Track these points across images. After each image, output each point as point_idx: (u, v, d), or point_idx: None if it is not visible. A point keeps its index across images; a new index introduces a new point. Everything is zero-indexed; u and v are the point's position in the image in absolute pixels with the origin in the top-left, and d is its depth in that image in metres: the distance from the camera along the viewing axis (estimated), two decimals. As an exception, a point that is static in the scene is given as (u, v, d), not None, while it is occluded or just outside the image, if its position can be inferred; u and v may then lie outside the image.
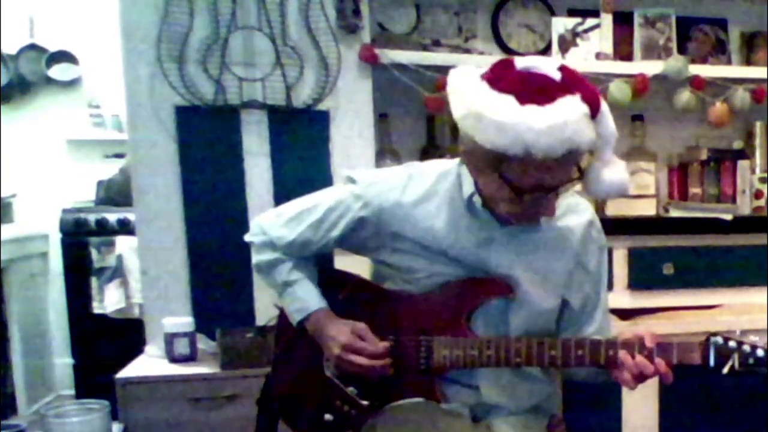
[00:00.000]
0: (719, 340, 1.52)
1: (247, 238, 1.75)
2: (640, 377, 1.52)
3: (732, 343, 1.51)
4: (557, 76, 1.41)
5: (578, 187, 1.57)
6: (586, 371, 1.67)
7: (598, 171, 1.52)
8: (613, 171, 1.53)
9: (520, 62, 1.43)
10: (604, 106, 1.47)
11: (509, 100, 1.37)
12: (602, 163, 1.52)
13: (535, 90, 1.38)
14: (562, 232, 1.62)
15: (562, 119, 1.36)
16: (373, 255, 1.70)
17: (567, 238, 1.63)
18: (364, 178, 1.65)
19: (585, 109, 1.40)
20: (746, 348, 1.50)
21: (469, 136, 1.41)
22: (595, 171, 1.52)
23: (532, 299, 1.61)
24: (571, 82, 1.42)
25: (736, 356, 1.50)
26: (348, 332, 1.62)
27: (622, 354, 1.52)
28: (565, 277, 1.64)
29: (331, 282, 1.74)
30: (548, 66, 1.43)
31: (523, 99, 1.36)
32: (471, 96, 1.41)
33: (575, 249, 1.64)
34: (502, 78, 1.41)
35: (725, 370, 1.51)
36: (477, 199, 1.56)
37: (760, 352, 1.50)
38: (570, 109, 1.38)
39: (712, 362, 1.52)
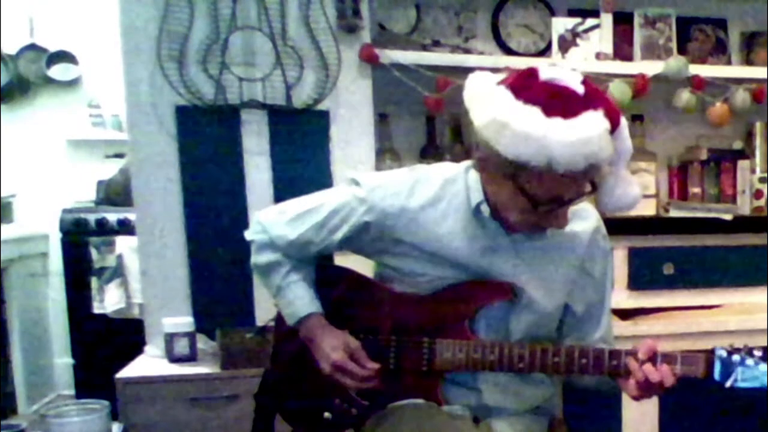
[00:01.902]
0: (723, 353, 1.51)
1: (247, 235, 1.73)
2: (646, 385, 1.51)
3: (736, 357, 1.50)
4: (581, 89, 1.41)
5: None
6: (591, 380, 1.67)
7: (612, 186, 1.52)
8: (626, 187, 1.54)
9: (544, 73, 1.42)
10: (623, 122, 1.48)
11: (535, 112, 1.36)
12: (616, 177, 1.52)
13: (560, 103, 1.37)
14: (568, 239, 1.62)
15: (587, 134, 1.36)
16: (376, 258, 1.69)
17: (572, 244, 1.63)
18: (368, 181, 1.63)
19: (607, 124, 1.40)
20: (750, 362, 1.50)
21: (490, 145, 1.40)
22: (609, 186, 1.52)
23: (535, 304, 1.61)
24: (595, 96, 1.42)
25: (739, 370, 1.50)
26: (341, 350, 1.61)
27: (629, 360, 1.52)
28: (569, 283, 1.64)
29: (332, 279, 1.74)
30: (571, 78, 1.42)
31: (549, 111, 1.36)
32: (495, 104, 1.39)
33: (580, 255, 1.63)
34: (526, 88, 1.39)
35: (728, 383, 1.50)
36: (485, 208, 1.55)
37: (763, 367, 1.49)
38: (594, 124, 1.38)
39: (716, 376, 1.51)
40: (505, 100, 1.39)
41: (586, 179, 1.45)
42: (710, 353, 1.52)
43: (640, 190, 1.58)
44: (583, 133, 1.36)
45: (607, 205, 1.56)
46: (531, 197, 1.43)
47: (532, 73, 1.43)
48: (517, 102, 1.38)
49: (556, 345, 1.61)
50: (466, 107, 1.46)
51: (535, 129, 1.35)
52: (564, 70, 1.45)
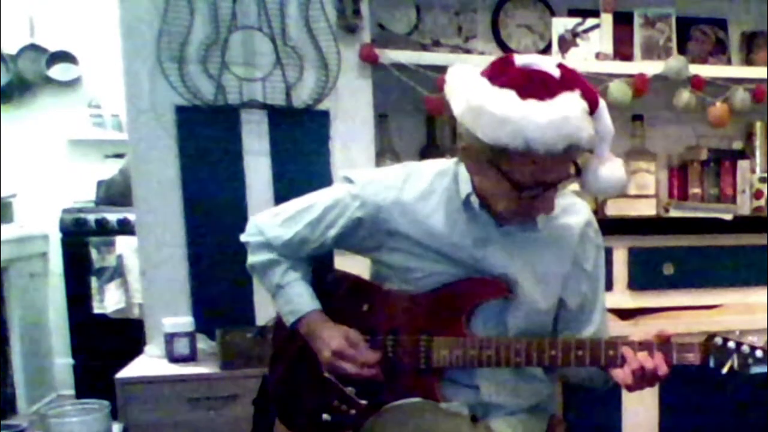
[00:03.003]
0: (719, 340, 1.52)
1: (243, 238, 1.74)
2: (641, 373, 1.52)
3: (731, 344, 1.51)
4: (556, 72, 1.42)
5: (576, 186, 1.58)
6: (586, 373, 1.67)
7: (596, 168, 1.53)
8: (611, 168, 1.54)
9: (519, 59, 1.44)
10: (602, 104, 1.49)
11: (510, 95, 1.37)
12: (599, 160, 1.53)
13: (535, 85, 1.39)
14: (560, 233, 1.63)
15: (563, 114, 1.37)
16: (371, 255, 1.70)
17: (564, 238, 1.63)
18: (360, 177, 1.66)
19: (584, 105, 1.41)
20: (745, 349, 1.51)
21: (470, 132, 1.42)
22: (592, 168, 1.53)
23: (530, 299, 1.61)
24: (570, 78, 1.43)
25: (735, 357, 1.51)
26: (340, 338, 1.62)
27: (625, 349, 1.53)
28: (562, 277, 1.64)
29: (329, 282, 1.75)
30: (547, 63, 1.44)
31: (524, 94, 1.37)
32: (471, 91, 1.41)
33: (572, 249, 1.64)
34: (502, 74, 1.41)
35: (724, 370, 1.51)
36: (474, 199, 1.56)
37: (759, 353, 1.50)
38: (570, 104, 1.39)
39: (711, 363, 1.52)
40: (481, 87, 1.41)
41: (568, 161, 1.46)
42: (706, 341, 1.53)
43: (624, 172, 1.57)
44: (560, 113, 1.37)
45: (593, 188, 1.56)
46: (514, 182, 1.44)
47: (507, 60, 1.45)
48: (492, 87, 1.40)
49: (552, 338, 1.62)
50: (446, 98, 1.48)
51: (511, 111, 1.36)
52: (539, 56, 1.47)
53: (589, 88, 1.45)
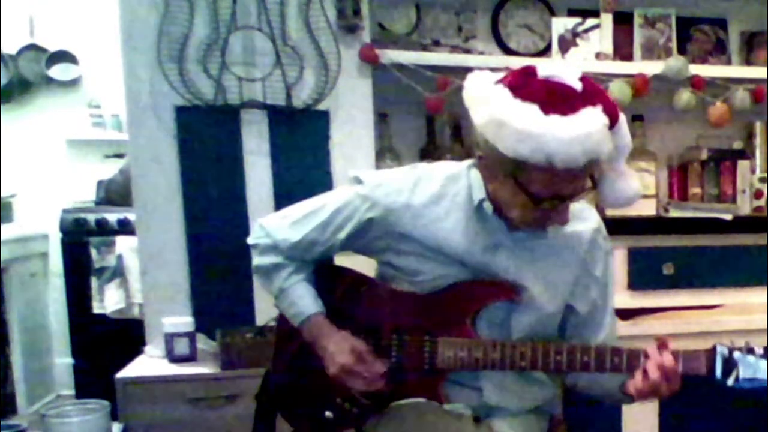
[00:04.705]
0: (725, 351, 1.51)
1: (250, 240, 1.73)
2: (661, 371, 1.50)
3: (737, 355, 1.50)
4: (579, 86, 1.42)
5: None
6: (599, 388, 1.67)
7: (613, 182, 1.53)
8: (628, 182, 1.55)
9: (542, 70, 1.44)
10: (622, 118, 1.49)
11: (533, 109, 1.37)
12: (616, 173, 1.52)
13: (558, 100, 1.39)
14: (569, 239, 1.62)
15: (586, 130, 1.37)
16: (378, 257, 1.69)
17: (574, 244, 1.63)
18: (371, 179, 1.64)
19: (606, 120, 1.41)
20: (751, 359, 1.50)
21: (489, 143, 1.41)
22: (609, 182, 1.53)
23: (537, 304, 1.61)
24: (593, 92, 1.43)
25: (740, 368, 1.50)
26: (347, 352, 1.60)
27: (650, 349, 1.52)
28: (571, 283, 1.64)
29: (332, 279, 1.74)
30: (569, 75, 1.43)
31: (547, 108, 1.37)
32: (493, 103, 1.40)
33: (582, 256, 1.64)
34: (524, 86, 1.41)
35: (730, 381, 1.50)
36: (487, 205, 1.55)
37: (763, 365, 1.49)
38: (593, 120, 1.39)
39: (717, 374, 1.51)
40: (503, 99, 1.40)
41: (585, 175, 1.46)
42: (711, 351, 1.52)
43: (639, 184, 1.58)
44: (582, 129, 1.37)
45: (608, 201, 1.57)
46: (531, 194, 1.44)
47: (529, 71, 1.44)
48: (515, 100, 1.39)
49: (558, 343, 1.61)
50: (466, 106, 1.47)
51: (533, 126, 1.36)
52: (561, 67, 1.46)
53: (610, 102, 1.45)
